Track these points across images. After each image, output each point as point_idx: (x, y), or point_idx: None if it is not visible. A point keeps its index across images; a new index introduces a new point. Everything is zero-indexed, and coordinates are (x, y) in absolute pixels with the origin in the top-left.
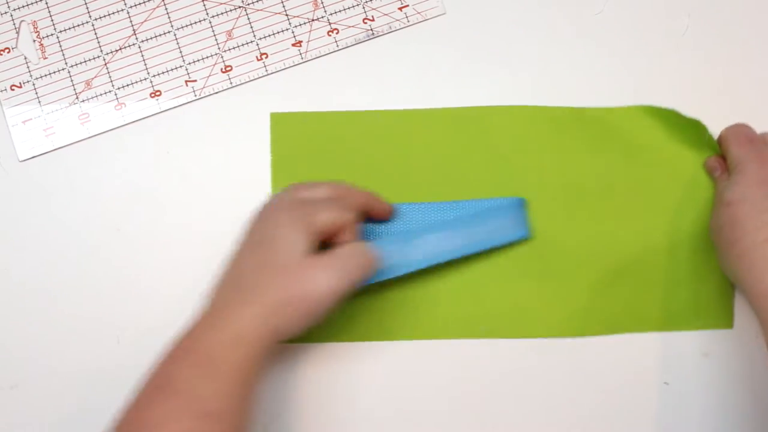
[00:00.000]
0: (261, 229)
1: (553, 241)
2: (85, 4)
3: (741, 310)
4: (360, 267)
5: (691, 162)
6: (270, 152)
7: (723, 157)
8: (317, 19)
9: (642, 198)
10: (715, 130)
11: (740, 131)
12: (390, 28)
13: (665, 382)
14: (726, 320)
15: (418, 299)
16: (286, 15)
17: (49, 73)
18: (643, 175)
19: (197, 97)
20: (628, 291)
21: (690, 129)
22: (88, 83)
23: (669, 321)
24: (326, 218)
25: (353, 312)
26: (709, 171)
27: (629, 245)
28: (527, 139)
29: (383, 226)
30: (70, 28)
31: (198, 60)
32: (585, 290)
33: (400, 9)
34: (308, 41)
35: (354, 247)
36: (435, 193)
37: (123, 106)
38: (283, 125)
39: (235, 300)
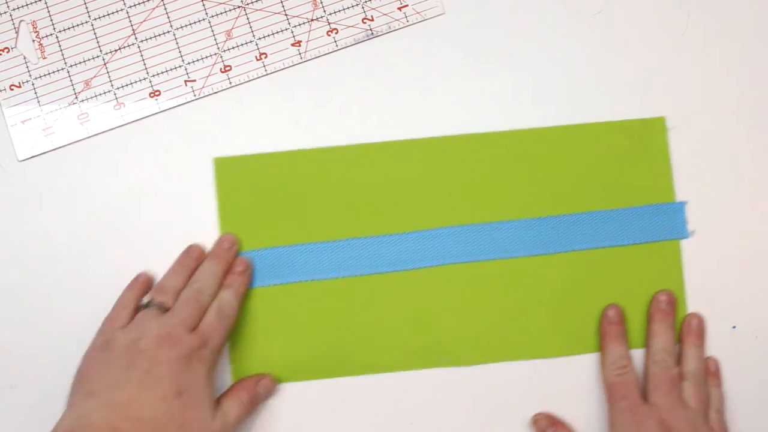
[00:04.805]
0: (172, 378)
1: (510, 266)
2: (85, 3)
3: (741, 308)
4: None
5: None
6: (216, 197)
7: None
8: (316, 19)
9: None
10: (713, 130)
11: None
12: (389, 28)
13: None
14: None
15: (377, 333)
16: (286, 15)
17: (49, 73)
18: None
19: (196, 97)
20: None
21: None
22: (87, 83)
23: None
24: (221, 343)
25: (313, 350)
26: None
27: (585, 264)
28: (481, 166)
29: (343, 258)
30: (69, 28)
31: (197, 60)
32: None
33: (400, 9)
34: (307, 41)
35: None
36: (380, 227)
37: (122, 105)
38: (228, 169)
39: None
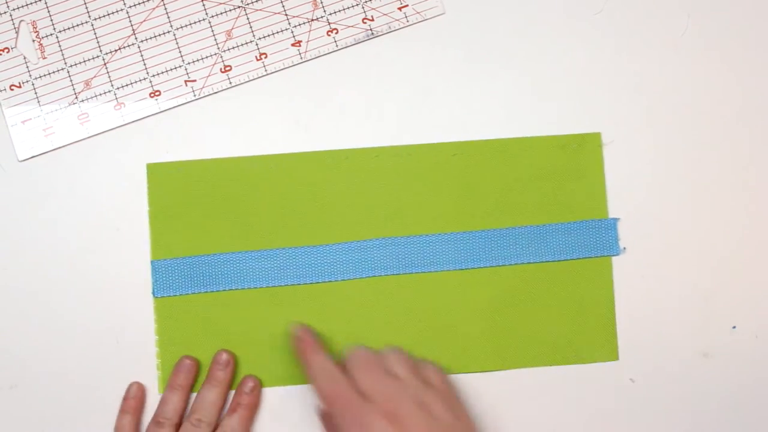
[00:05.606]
0: None
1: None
2: (85, 3)
3: (740, 309)
4: None
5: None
6: (147, 204)
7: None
8: (316, 19)
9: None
10: (713, 130)
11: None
12: (389, 28)
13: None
14: (611, 352)
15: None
16: (286, 15)
17: (49, 73)
18: (527, 206)
19: (196, 97)
20: (521, 325)
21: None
22: (87, 83)
23: (555, 355)
24: None
25: (239, 360)
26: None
27: (516, 279)
28: (411, 179)
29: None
30: (69, 28)
31: (197, 60)
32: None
33: (400, 9)
34: (307, 41)
35: None
36: (310, 237)
37: (122, 105)
38: (160, 175)
39: None
